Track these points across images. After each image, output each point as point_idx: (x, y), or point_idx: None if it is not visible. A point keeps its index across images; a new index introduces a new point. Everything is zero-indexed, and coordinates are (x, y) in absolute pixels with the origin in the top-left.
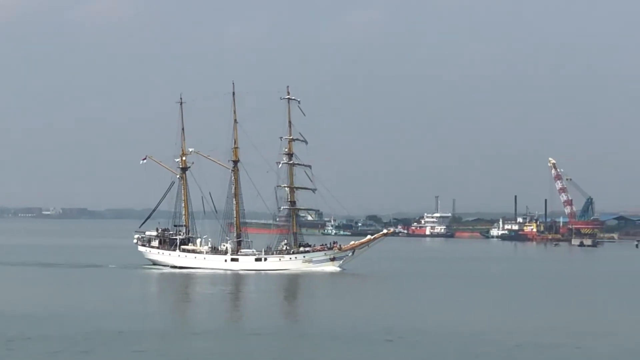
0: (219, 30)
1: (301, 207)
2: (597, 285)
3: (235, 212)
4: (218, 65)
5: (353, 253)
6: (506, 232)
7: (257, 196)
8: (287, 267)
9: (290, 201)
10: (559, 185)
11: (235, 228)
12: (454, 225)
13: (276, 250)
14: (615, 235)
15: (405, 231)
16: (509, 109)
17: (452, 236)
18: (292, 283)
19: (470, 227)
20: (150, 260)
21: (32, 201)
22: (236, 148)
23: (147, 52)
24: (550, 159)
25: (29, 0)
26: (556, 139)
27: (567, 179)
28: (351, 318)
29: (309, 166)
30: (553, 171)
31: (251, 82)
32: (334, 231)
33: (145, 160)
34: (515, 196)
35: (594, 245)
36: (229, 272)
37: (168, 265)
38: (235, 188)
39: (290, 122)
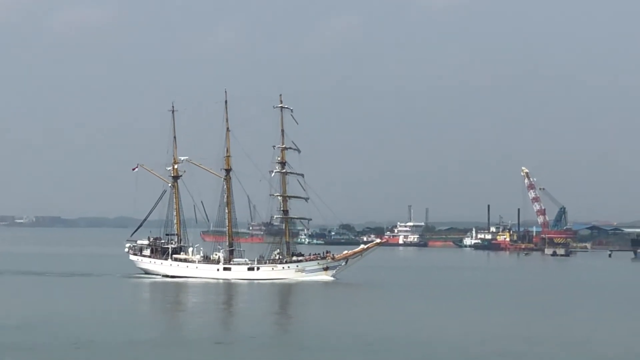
0: (195, 39)
1: (294, 216)
2: (569, 295)
3: (227, 220)
4: (199, 75)
5: (346, 262)
6: (479, 241)
7: (252, 206)
8: (280, 276)
9: (283, 210)
10: (532, 194)
11: (227, 237)
12: (427, 235)
13: (269, 260)
14: (588, 245)
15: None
16: (482, 118)
17: (425, 245)
18: (284, 292)
19: (444, 237)
20: (141, 269)
21: (5, 209)
22: (228, 156)
23: (129, 61)
24: (523, 168)
25: (5, 11)
26: (529, 148)
27: (540, 189)
28: (342, 327)
29: (302, 175)
30: (526, 180)
31: (244, 89)
32: (307, 240)
33: (137, 169)
34: (489, 205)
35: (567, 254)
36: (221, 281)
37: (160, 274)
38: (227, 197)
39: (283, 130)
